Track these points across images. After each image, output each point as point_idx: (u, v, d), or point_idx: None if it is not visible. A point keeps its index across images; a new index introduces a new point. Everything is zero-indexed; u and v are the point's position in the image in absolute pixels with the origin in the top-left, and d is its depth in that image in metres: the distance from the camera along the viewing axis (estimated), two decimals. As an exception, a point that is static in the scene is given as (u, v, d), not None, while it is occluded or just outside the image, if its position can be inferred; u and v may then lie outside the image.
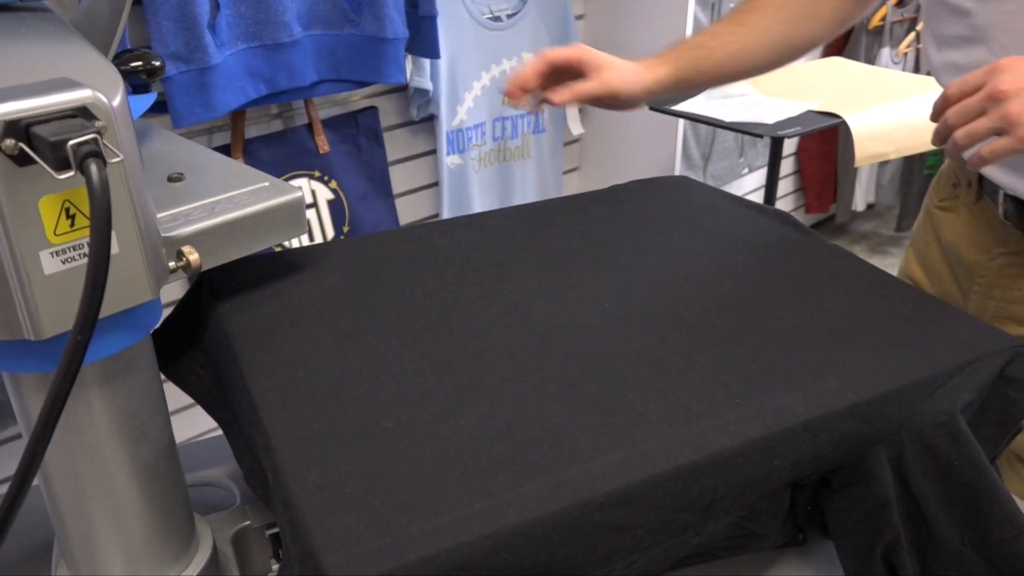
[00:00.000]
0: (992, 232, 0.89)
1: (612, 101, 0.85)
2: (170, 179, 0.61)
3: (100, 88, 0.41)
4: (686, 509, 0.50)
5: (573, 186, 2.34)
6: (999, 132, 0.62)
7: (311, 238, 1.71)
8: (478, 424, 0.52)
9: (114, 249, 0.44)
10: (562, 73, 0.84)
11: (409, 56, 1.69)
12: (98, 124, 0.40)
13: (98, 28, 0.55)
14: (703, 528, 0.52)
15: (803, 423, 0.53)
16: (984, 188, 0.90)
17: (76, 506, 0.53)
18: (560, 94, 0.82)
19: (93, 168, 0.37)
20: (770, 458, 0.52)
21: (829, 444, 0.54)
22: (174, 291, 1.47)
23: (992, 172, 0.85)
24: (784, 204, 2.90)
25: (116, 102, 0.42)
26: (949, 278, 0.97)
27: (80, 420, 0.50)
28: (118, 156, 0.40)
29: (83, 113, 0.40)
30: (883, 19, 2.79)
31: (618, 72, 0.83)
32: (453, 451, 0.50)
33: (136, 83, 0.67)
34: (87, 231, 0.42)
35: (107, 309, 0.45)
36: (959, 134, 0.64)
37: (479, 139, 1.95)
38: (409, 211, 1.94)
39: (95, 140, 0.38)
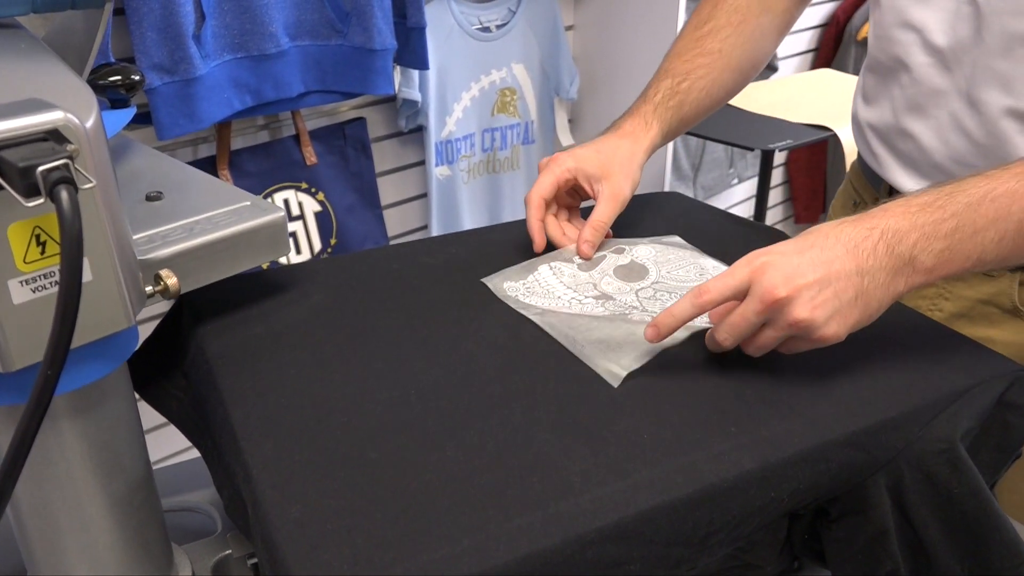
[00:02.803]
0: None
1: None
2: (148, 197, 0.59)
3: (73, 109, 0.40)
4: (680, 543, 0.49)
5: (562, 197, 2.33)
6: (791, 337, 0.57)
7: (298, 250, 1.69)
8: (466, 454, 0.50)
9: (87, 277, 0.42)
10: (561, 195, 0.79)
11: (397, 67, 1.68)
12: (70, 148, 0.38)
13: (72, 45, 0.54)
14: (698, 562, 0.50)
15: (800, 452, 0.52)
16: None
17: (48, 539, 0.51)
18: (586, 244, 0.75)
19: (64, 195, 0.35)
20: (766, 489, 0.50)
21: (826, 473, 0.53)
22: (153, 307, 1.45)
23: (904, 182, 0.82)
24: (773, 214, 2.90)
25: (89, 124, 0.40)
26: None
27: (51, 451, 0.48)
28: (91, 182, 0.38)
29: (54, 136, 0.39)
30: (871, 31, 2.80)
31: (615, 175, 0.77)
32: (440, 483, 0.48)
33: (115, 97, 0.66)
34: (58, 258, 0.41)
35: (80, 339, 0.43)
36: (749, 350, 0.58)
37: (468, 150, 1.93)
38: (397, 222, 1.92)
39: (66, 166, 0.36)
